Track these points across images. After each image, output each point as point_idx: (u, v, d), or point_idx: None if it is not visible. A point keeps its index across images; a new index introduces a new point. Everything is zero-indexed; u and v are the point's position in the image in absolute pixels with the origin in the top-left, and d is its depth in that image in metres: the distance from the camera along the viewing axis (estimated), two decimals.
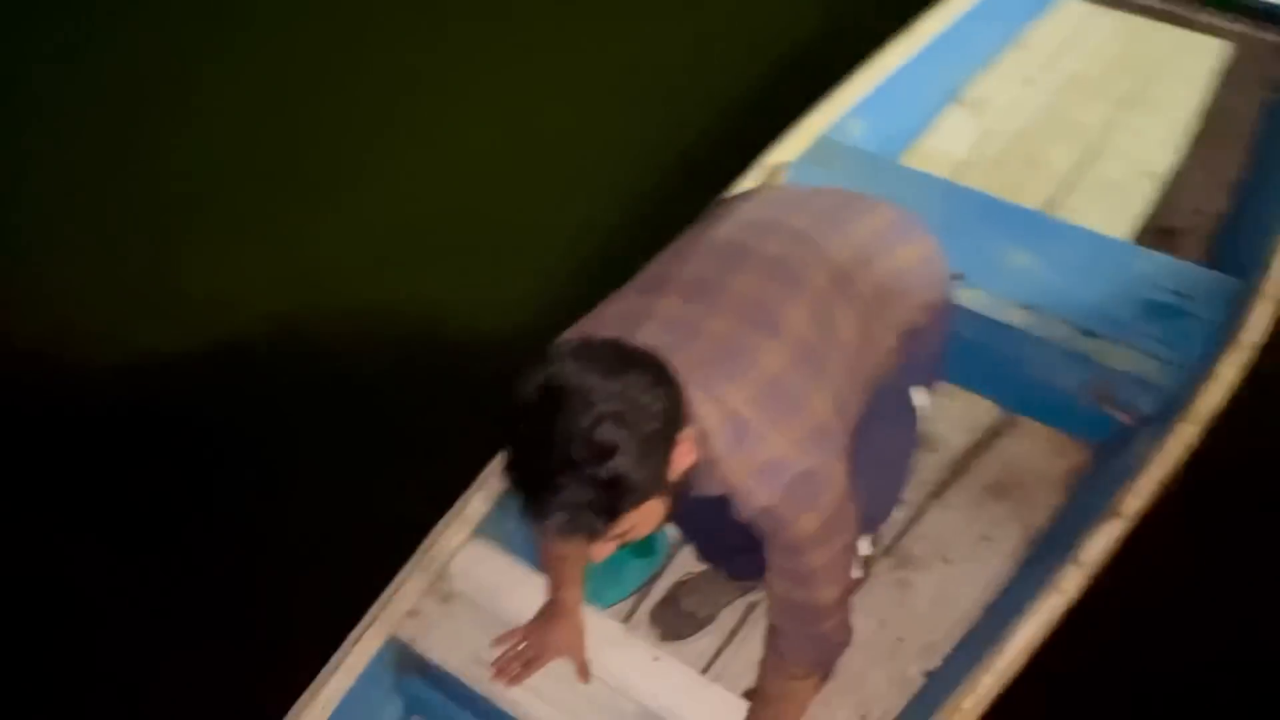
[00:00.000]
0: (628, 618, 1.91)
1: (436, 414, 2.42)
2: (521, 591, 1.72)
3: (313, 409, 2.51)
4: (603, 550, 1.18)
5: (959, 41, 2.90)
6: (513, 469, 1.11)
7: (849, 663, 1.86)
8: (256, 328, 2.75)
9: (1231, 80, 2.89)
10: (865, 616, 1.93)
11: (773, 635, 1.38)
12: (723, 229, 1.36)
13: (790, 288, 1.28)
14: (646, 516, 1.16)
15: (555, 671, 1.63)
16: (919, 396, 1.55)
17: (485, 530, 1.83)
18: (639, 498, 1.11)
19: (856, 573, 1.63)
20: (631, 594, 1.94)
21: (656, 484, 1.13)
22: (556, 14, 3.65)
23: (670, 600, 1.89)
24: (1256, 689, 1.88)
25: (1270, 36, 2.91)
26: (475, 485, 1.84)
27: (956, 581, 1.96)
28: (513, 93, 3.38)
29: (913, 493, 2.11)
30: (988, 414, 2.25)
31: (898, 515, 2.06)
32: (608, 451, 1.07)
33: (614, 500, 1.10)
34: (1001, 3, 2.97)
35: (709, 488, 1.23)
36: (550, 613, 1.63)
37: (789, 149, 2.48)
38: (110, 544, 2.29)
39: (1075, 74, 2.99)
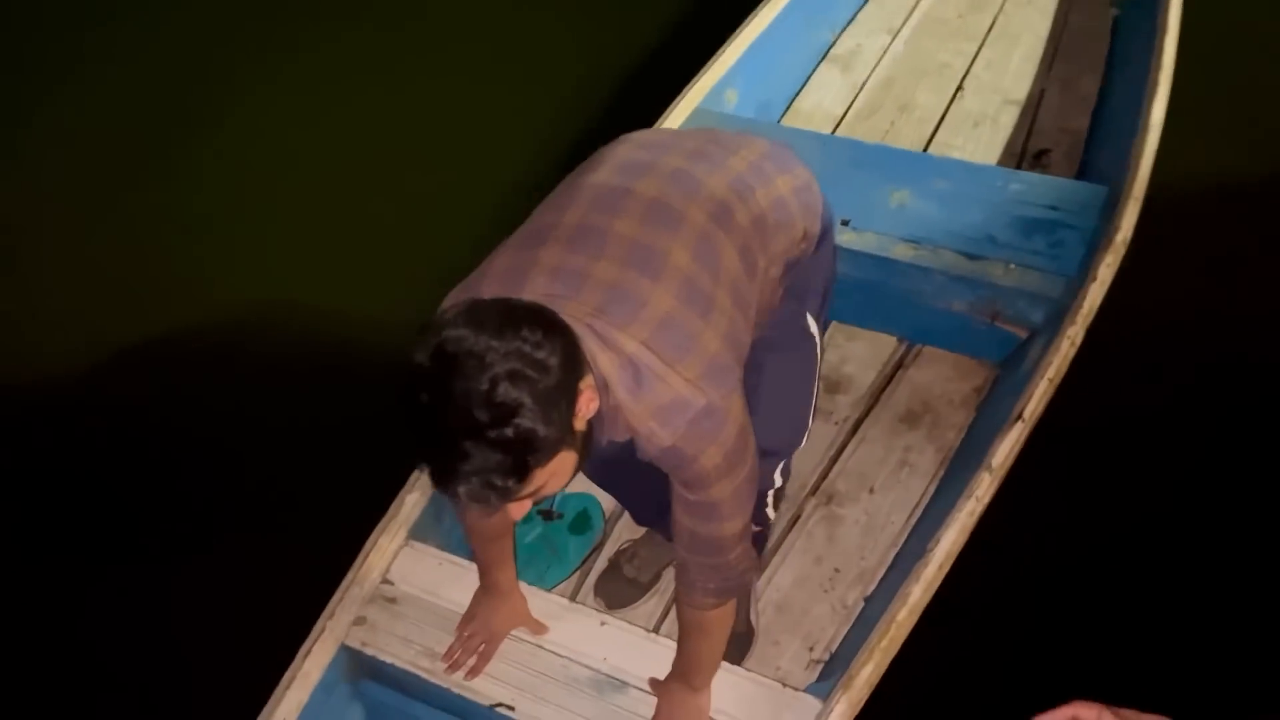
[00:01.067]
0: (574, 594, 1.95)
1: (362, 418, 2.41)
2: (463, 585, 1.75)
3: (238, 419, 2.49)
4: (519, 509, 1.21)
5: (820, 1, 3.00)
6: (416, 443, 1.12)
7: (792, 600, 1.93)
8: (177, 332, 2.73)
9: (1078, 1, 3.03)
10: (802, 554, 2.00)
11: (681, 570, 1.41)
12: (598, 175, 1.39)
13: (671, 227, 1.31)
14: (558, 471, 1.17)
15: (506, 652, 1.66)
16: (813, 324, 1.61)
17: (421, 531, 1.85)
18: (548, 453, 1.13)
19: (772, 514, 1.69)
20: (575, 571, 1.98)
21: (563, 436, 1.14)
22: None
23: (613, 569, 1.94)
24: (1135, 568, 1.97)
25: None
26: (407, 487, 1.87)
27: (882, 508, 2.04)
28: (398, 91, 3.39)
29: (832, 432, 2.18)
30: (893, 349, 2.34)
31: (820, 455, 2.14)
32: (510, 411, 1.07)
33: (523, 459, 1.10)
34: None
35: (615, 434, 1.26)
36: (488, 596, 1.66)
37: (668, 124, 2.54)
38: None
39: (932, 16, 3.11)
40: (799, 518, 2.05)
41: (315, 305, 2.79)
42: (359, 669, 1.73)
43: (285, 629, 1.72)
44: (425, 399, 1.08)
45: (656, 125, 2.52)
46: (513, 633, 1.68)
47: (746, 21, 2.79)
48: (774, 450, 1.60)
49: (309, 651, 1.67)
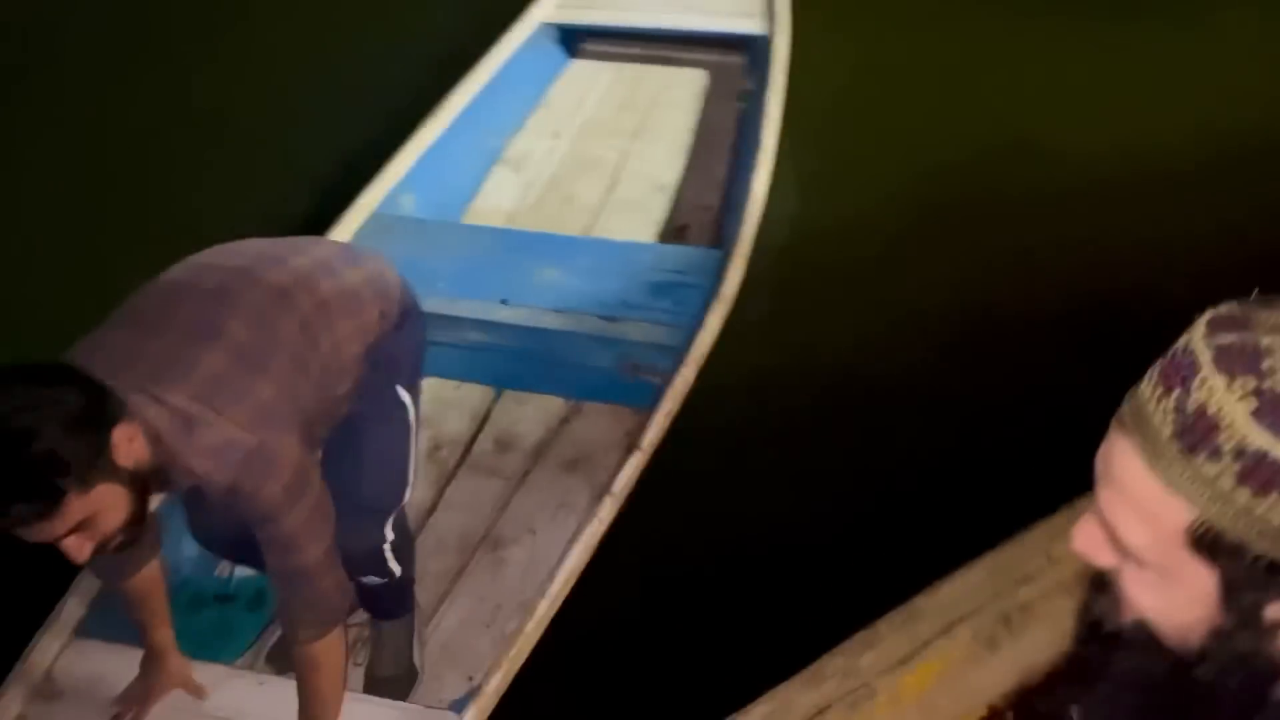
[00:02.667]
0: (250, 667, 2.05)
1: None
2: (130, 671, 1.83)
3: None
4: (81, 548, 1.32)
5: (492, 112, 3.33)
6: None
7: (456, 638, 2.11)
8: None
9: (712, 99, 3.50)
10: (468, 597, 2.20)
11: (282, 612, 1.58)
12: (170, 275, 1.59)
13: (228, 306, 1.52)
14: (106, 504, 1.31)
15: None
16: (404, 394, 1.82)
17: (87, 630, 1.92)
18: (79, 479, 1.26)
19: (395, 567, 1.88)
20: (251, 645, 2.08)
21: (93, 465, 1.28)
22: None
23: (283, 640, 2.05)
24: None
25: (733, 59, 3.55)
26: (70, 591, 1.93)
27: (543, 546, 2.26)
28: None
29: (500, 487, 2.40)
30: (557, 408, 2.60)
31: (489, 509, 2.35)
32: (26, 435, 1.22)
33: (50, 478, 1.24)
34: (521, 75, 3.44)
35: (182, 481, 1.43)
36: (149, 659, 1.78)
37: (344, 229, 2.75)
38: None
39: (592, 120, 3.49)
40: (466, 565, 2.23)
41: None
42: None
43: None
44: None
45: (331, 228, 2.73)
46: (175, 703, 1.78)
47: (418, 130, 3.07)
48: (378, 507, 1.80)
49: None
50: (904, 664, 1.80)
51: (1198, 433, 0.64)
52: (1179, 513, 0.66)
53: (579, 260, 2.70)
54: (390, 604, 1.98)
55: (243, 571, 2.13)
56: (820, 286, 2.81)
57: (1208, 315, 0.68)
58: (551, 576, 1.90)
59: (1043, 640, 1.83)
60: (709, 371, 2.38)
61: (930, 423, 2.47)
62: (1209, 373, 0.64)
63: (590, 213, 3.17)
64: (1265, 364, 0.64)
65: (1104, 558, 0.73)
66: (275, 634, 2.08)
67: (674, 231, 3.08)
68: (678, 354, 2.42)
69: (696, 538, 2.24)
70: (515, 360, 2.59)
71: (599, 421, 2.55)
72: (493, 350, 2.58)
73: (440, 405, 2.60)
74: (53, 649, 1.87)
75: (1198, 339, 0.66)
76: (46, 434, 1.23)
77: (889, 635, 1.82)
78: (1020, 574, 1.87)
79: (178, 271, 1.59)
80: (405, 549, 1.93)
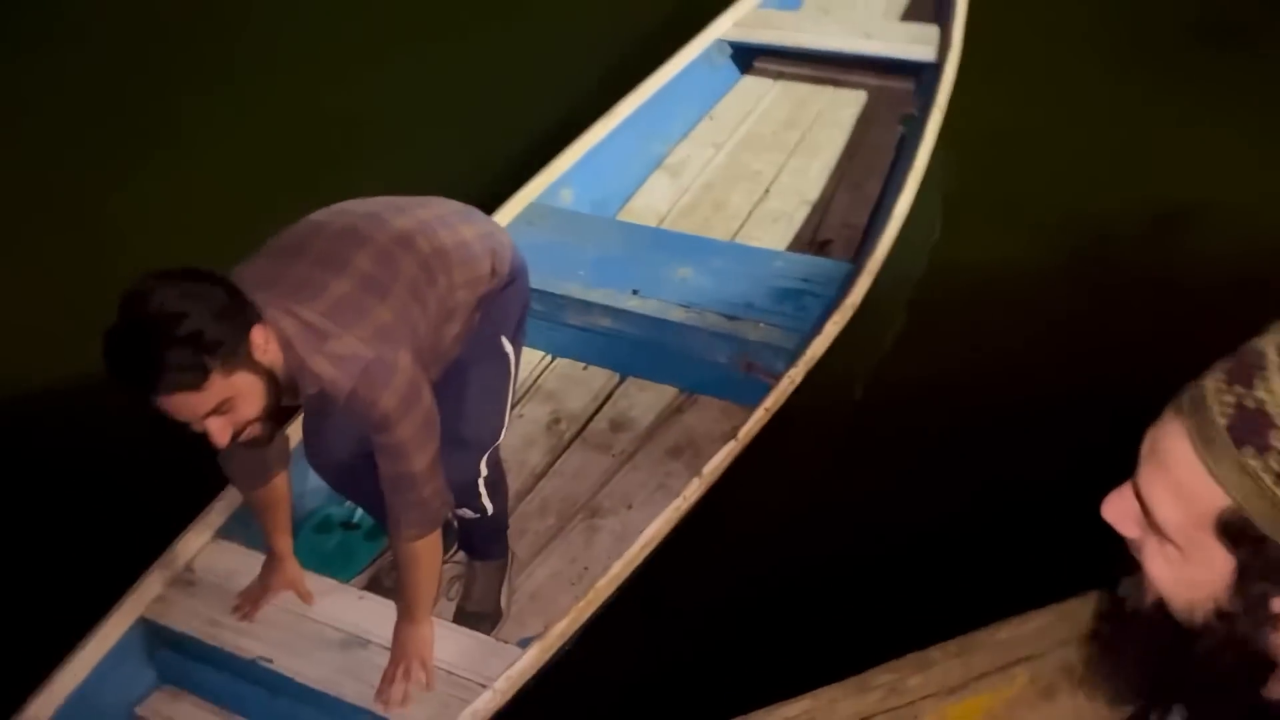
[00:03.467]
0: (366, 586, 2.26)
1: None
2: (255, 572, 2.07)
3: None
4: (222, 430, 1.54)
5: (658, 119, 3.50)
6: (115, 367, 1.45)
7: (543, 590, 2.26)
8: None
9: (873, 122, 3.55)
10: (559, 556, 2.34)
11: (390, 513, 1.77)
12: (308, 218, 1.81)
13: (357, 243, 1.72)
14: (244, 392, 1.52)
15: (275, 620, 1.98)
16: (508, 345, 1.99)
17: (227, 532, 2.18)
18: (223, 360, 1.47)
19: (488, 504, 2.04)
20: (365, 569, 2.30)
21: (234, 352, 1.49)
22: None
23: (389, 567, 2.26)
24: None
25: (896, 84, 3.58)
26: (217, 498, 2.20)
27: (636, 520, 2.37)
28: None
29: (608, 463, 2.54)
30: (672, 397, 2.71)
31: (594, 481, 2.49)
32: (178, 316, 1.43)
33: (199, 354, 1.45)
34: (690, 87, 3.59)
35: (307, 385, 1.64)
36: (268, 562, 2.02)
37: (505, 214, 2.97)
38: None
39: (753, 134, 3.61)
40: (564, 528, 2.38)
41: None
42: (156, 639, 2.04)
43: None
44: (115, 328, 1.46)
45: (493, 212, 2.95)
46: (284, 605, 2.00)
47: (584, 133, 3.27)
48: (475, 441, 1.97)
49: (108, 619, 1.98)
50: (953, 693, 1.76)
51: (1251, 427, 0.67)
52: (1216, 498, 0.69)
53: (713, 261, 2.81)
54: (483, 543, 2.15)
55: None
56: (943, 312, 2.83)
57: None
58: (633, 541, 2.02)
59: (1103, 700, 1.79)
60: (819, 376, 2.44)
61: (1032, 463, 2.43)
62: (1274, 374, 0.68)
63: (737, 220, 3.28)
64: None
65: (1129, 529, 0.77)
66: (386, 561, 2.29)
67: (817, 245, 3.14)
68: (791, 356, 2.50)
69: (781, 531, 2.30)
70: (639, 348, 2.73)
71: (709, 414, 2.65)
72: (619, 337, 2.72)
73: (567, 383, 2.78)
74: (195, 545, 2.14)
75: (1270, 343, 0.70)
76: (196, 317, 1.45)
77: (942, 661, 1.78)
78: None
79: (314, 215, 1.81)
80: (498, 489, 2.10)
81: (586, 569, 2.28)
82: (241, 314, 1.53)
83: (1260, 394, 0.68)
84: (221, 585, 2.07)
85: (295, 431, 2.18)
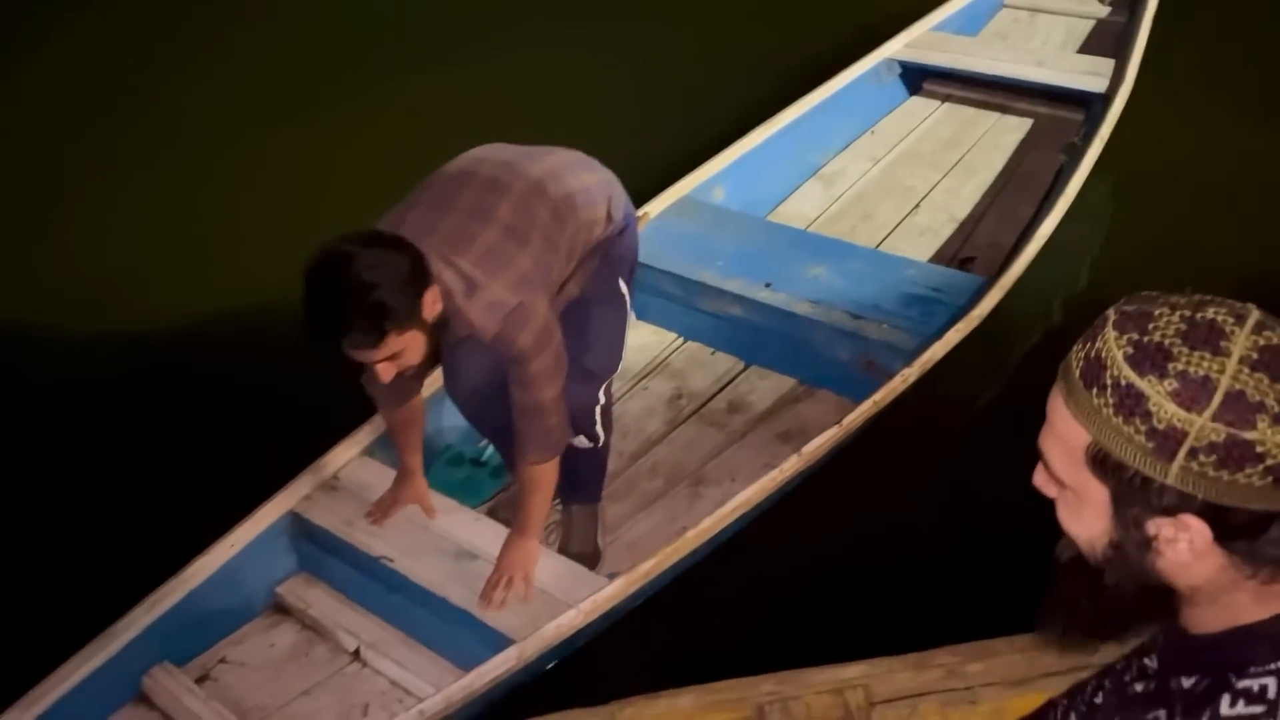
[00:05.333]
0: (488, 512, 2.48)
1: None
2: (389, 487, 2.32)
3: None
4: (388, 372, 1.78)
5: (817, 130, 3.61)
6: (308, 315, 1.70)
7: (642, 542, 2.42)
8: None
9: (1033, 147, 3.55)
10: (662, 514, 2.50)
11: (517, 438, 1.98)
12: (451, 168, 2.03)
13: (498, 193, 1.93)
14: (411, 345, 1.77)
15: (400, 529, 2.22)
16: (624, 286, 2.18)
17: (372, 452, 2.45)
18: (399, 325, 1.72)
19: (600, 432, 2.22)
20: (486, 501, 2.53)
21: (412, 316, 1.73)
22: None
23: (507, 501, 2.48)
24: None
25: (1063, 114, 3.57)
26: (367, 421, 2.47)
27: (737, 491, 2.49)
28: None
29: (720, 438, 2.68)
30: (790, 388, 2.83)
31: (704, 454, 2.64)
32: (370, 288, 1.69)
33: (380, 323, 1.70)
34: (854, 102, 3.70)
35: (459, 330, 1.86)
36: (400, 477, 2.25)
37: (658, 204, 3.17)
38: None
39: (912, 151, 3.67)
40: (669, 491, 2.54)
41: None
42: (300, 531, 2.31)
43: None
44: (316, 281, 1.71)
45: (648, 202, 3.14)
46: (410, 517, 2.24)
47: (743, 138, 3.43)
48: (599, 371, 2.16)
49: (261, 508, 2.27)
50: (1016, 686, 1.80)
51: (1094, 373, 0.81)
52: (1081, 437, 0.83)
53: (848, 263, 2.91)
54: (586, 480, 2.33)
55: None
56: (1072, 338, 2.82)
57: (1129, 297, 0.85)
58: (725, 502, 2.16)
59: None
60: (938, 384, 2.51)
61: None
62: (1109, 329, 0.82)
63: (883, 232, 3.36)
64: (1150, 325, 0.80)
65: (1049, 490, 0.90)
66: (505, 497, 2.51)
67: (959, 262, 3.18)
68: (910, 357, 2.57)
69: (875, 520, 2.38)
70: (764, 338, 2.86)
71: (823, 407, 2.74)
72: (747, 326, 2.86)
73: (693, 364, 2.93)
74: (343, 458, 2.41)
75: (1113, 310, 0.84)
76: (384, 288, 1.70)
77: (1007, 653, 1.83)
78: None
79: (457, 164, 2.04)
80: (609, 420, 2.29)
81: (685, 528, 2.42)
82: (421, 281, 1.76)
83: (1099, 345, 0.81)
84: (360, 494, 2.33)
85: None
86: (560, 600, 2.03)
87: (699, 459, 2.63)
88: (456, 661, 2.07)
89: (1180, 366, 0.78)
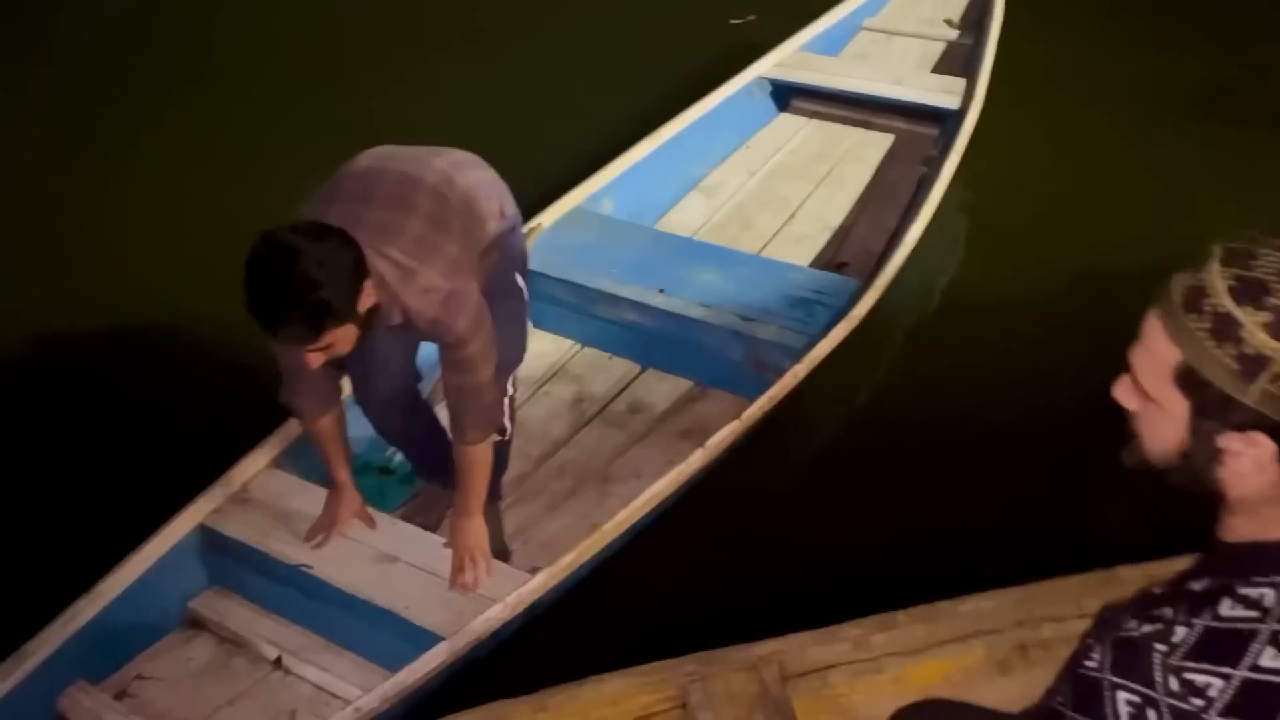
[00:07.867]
0: (400, 518, 2.50)
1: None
2: (302, 497, 2.34)
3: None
4: (316, 360, 1.82)
5: (696, 144, 3.78)
6: (250, 301, 1.72)
7: (554, 539, 2.50)
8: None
9: (896, 160, 3.81)
10: (572, 514, 2.59)
11: (455, 421, 2.05)
12: (356, 167, 2.05)
13: (413, 186, 1.99)
14: (344, 337, 1.81)
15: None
16: (520, 281, 2.27)
17: (279, 463, 2.45)
18: (337, 321, 1.76)
19: (508, 424, 2.30)
20: (397, 509, 2.56)
21: (349, 311, 1.78)
22: None
23: (416, 509, 2.53)
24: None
25: (921, 129, 3.85)
26: (274, 433, 2.47)
27: (644, 487, 2.60)
28: None
29: (623, 438, 2.79)
30: (687, 389, 2.97)
31: (608, 454, 2.74)
32: (315, 285, 1.71)
33: (320, 320, 1.74)
34: (729, 117, 3.89)
35: (394, 318, 1.91)
36: (333, 493, 2.26)
37: (550, 214, 3.25)
38: None
39: (784, 164, 3.88)
40: (578, 490, 2.63)
41: None
42: (211, 545, 2.30)
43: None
44: (260, 273, 1.73)
45: (539, 213, 3.22)
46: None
47: (627, 152, 3.55)
48: (505, 363, 2.22)
49: (170, 522, 2.25)
50: (914, 655, 1.92)
51: (1194, 299, 0.94)
52: (1173, 355, 0.95)
53: (736, 269, 3.08)
54: (495, 476, 2.38)
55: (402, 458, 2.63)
56: (941, 332, 3.09)
57: (1235, 236, 0.98)
58: (638, 496, 2.27)
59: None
60: (820, 376, 2.69)
61: (1003, 464, 2.67)
62: (1214, 263, 0.95)
63: (763, 239, 3.54)
64: (1253, 262, 0.94)
65: (1130, 402, 1.03)
66: (414, 504, 2.55)
67: (835, 266, 3.39)
68: (796, 355, 2.74)
69: (773, 506, 2.54)
70: (659, 341, 2.99)
71: (719, 405, 2.89)
72: (642, 330, 2.98)
73: (592, 369, 3.04)
74: (251, 470, 2.40)
75: (1218, 246, 0.97)
76: (327, 287, 1.72)
77: (907, 625, 1.94)
78: (1047, 613, 1.94)
79: (361, 161, 2.07)
80: (514, 413, 2.36)
81: (597, 525, 2.51)
82: (360, 276, 1.79)
83: (1202, 275, 0.95)
84: (271, 504, 2.33)
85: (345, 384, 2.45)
86: (484, 596, 2.09)
87: (604, 459, 2.73)
88: (381, 662, 2.11)
89: (1276, 301, 0.91)
